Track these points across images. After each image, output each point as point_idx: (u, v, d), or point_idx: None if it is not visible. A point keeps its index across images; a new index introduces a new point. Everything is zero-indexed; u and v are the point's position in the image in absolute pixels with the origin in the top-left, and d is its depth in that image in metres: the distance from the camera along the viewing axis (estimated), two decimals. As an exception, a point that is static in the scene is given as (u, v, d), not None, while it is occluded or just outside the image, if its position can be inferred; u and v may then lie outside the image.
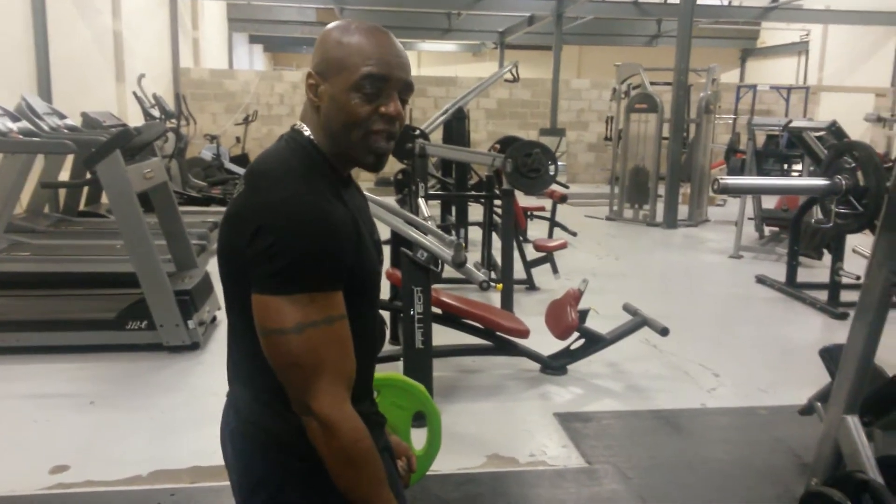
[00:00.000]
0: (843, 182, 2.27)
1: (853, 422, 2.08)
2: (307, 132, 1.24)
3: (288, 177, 1.16)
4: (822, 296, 5.54)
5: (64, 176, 6.51)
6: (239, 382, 1.29)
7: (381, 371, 1.56)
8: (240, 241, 1.14)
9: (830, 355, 2.72)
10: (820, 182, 2.30)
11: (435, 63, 23.04)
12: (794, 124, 6.27)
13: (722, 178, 2.28)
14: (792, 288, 5.92)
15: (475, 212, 6.82)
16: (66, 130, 5.62)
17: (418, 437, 1.90)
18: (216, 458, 2.95)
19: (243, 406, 1.26)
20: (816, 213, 7.02)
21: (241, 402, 1.27)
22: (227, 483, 2.65)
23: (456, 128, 7.57)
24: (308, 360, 1.11)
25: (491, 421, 3.44)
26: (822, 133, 6.16)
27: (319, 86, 1.21)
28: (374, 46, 1.18)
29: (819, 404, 2.80)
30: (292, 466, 1.21)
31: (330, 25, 1.25)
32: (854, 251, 3.26)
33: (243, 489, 1.27)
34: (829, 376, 2.80)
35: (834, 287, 5.43)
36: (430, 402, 1.96)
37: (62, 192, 6.82)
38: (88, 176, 4.20)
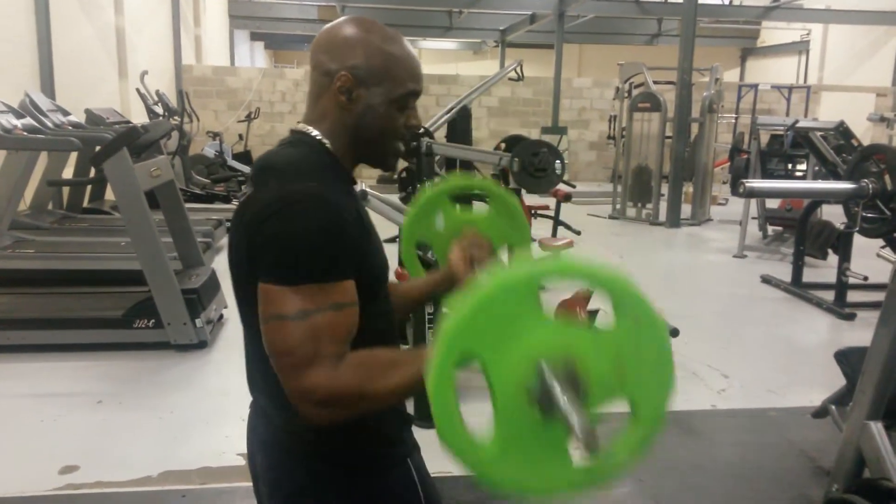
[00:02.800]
0: (870, 186, 2.25)
1: (877, 428, 2.06)
2: (315, 133, 1.21)
3: (295, 170, 1.14)
4: (829, 296, 5.52)
5: (68, 173, 6.48)
6: (259, 391, 1.26)
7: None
8: (249, 238, 1.11)
9: (846, 358, 2.70)
10: (846, 186, 2.29)
11: (436, 61, 23.01)
12: (800, 124, 6.25)
13: (748, 182, 2.26)
14: (798, 288, 5.91)
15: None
16: (70, 127, 5.60)
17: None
18: (225, 458, 2.97)
19: (272, 413, 1.23)
20: (821, 213, 7.02)
21: (267, 409, 1.24)
22: (238, 484, 2.62)
23: (460, 126, 7.55)
24: (305, 348, 1.05)
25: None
26: (824, 133, 6.16)
27: (355, 90, 1.18)
28: (413, 61, 1.22)
29: (834, 408, 2.78)
30: (334, 475, 1.18)
31: (356, 23, 1.20)
32: (878, 255, 3.25)
33: (275, 500, 1.23)
34: (844, 379, 2.78)
35: (840, 287, 5.42)
36: (497, 191, 1.68)
37: (66, 188, 6.79)
38: (95, 173, 4.18)
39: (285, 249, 1.07)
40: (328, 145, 1.21)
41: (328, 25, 1.23)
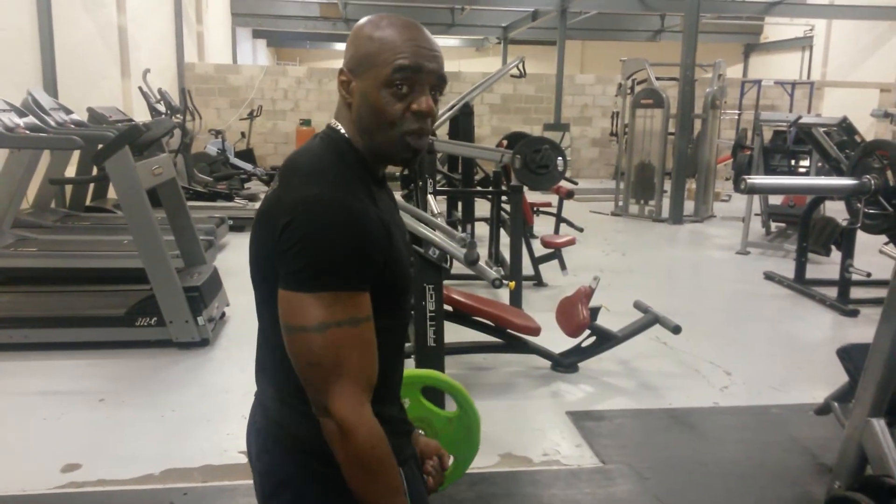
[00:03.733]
0: (872, 182, 2.24)
1: (879, 425, 2.05)
2: (342, 130, 1.22)
3: (320, 173, 1.14)
4: (832, 292, 5.51)
5: (70, 171, 6.49)
6: (266, 381, 1.27)
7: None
8: (270, 236, 1.12)
9: (849, 355, 2.70)
10: (848, 182, 2.27)
11: (438, 58, 22.95)
12: (803, 120, 6.23)
13: (749, 178, 2.26)
14: (801, 284, 5.90)
15: (480, 207, 6.79)
16: (72, 126, 5.60)
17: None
18: (227, 456, 2.97)
19: (270, 405, 1.25)
20: (824, 209, 7.00)
21: (267, 400, 1.26)
22: (240, 482, 2.63)
23: (463, 123, 7.52)
24: (328, 361, 1.08)
25: (503, 419, 3.42)
26: (827, 129, 6.12)
27: (351, 82, 1.19)
28: (404, 39, 1.16)
29: (836, 404, 2.78)
30: (316, 470, 1.19)
31: (361, 21, 1.22)
32: (881, 252, 3.23)
33: (265, 489, 1.25)
34: (846, 376, 2.78)
35: (844, 284, 5.40)
36: (470, 402, 1.93)
37: (69, 187, 6.79)
38: (97, 172, 4.18)
39: (305, 256, 1.07)
40: (353, 143, 1.21)
41: None
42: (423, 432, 1.66)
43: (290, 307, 1.09)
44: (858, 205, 2.35)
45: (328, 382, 1.09)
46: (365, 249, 1.10)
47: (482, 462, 2.98)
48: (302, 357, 1.10)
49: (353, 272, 1.09)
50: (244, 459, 2.89)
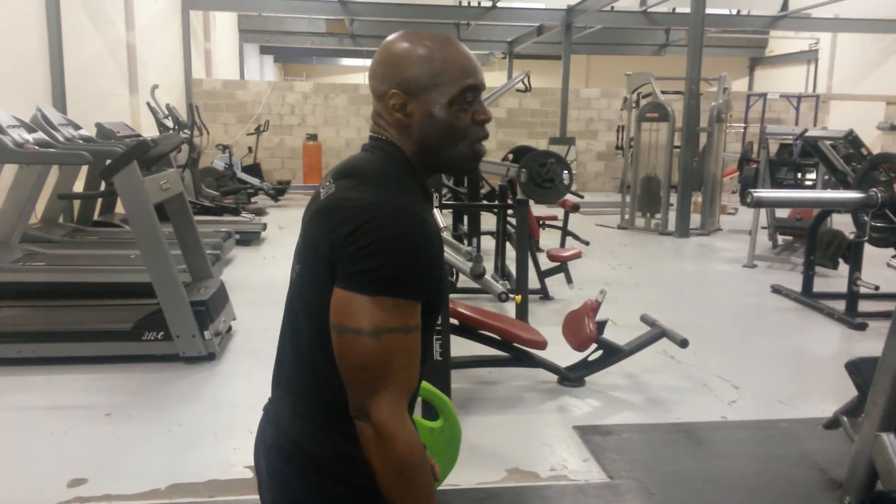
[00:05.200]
0: (879, 195, 2.23)
1: (889, 439, 2.03)
2: (389, 138, 1.22)
3: (387, 180, 1.16)
4: (839, 306, 5.48)
5: (79, 186, 6.53)
6: (284, 390, 1.26)
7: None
8: (332, 238, 1.12)
9: (857, 369, 2.68)
10: (854, 195, 2.27)
11: (443, 72, 23.06)
12: (809, 133, 6.23)
13: (755, 192, 2.25)
14: (808, 298, 5.87)
15: (486, 221, 6.79)
16: (81, 141, 5.64)
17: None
18: (234, 471, 2.97)
19: (283, 421, 1.23)
20: (831, 222, 6.98)
21: (281, 416, 1.24)
22: (246, 497, 2.63)
23: (468, 137, 7.54)
24: (377, 365, 1.08)
25: (510, 434, 3.41)
26: (833, 142, 6.12)
27: (408, 104, 1.19)
28: (462, 58, 1.20)
29: (845, 419, 2.76)
30: (331, 491, 1.18)
31: (397, 41, 1.21)
32: (888, 265, 3.22)
33: None
34: (855, 390, 2.76)
35: (851, 297, 5.37)
36: (454, 415, 1.95)
37: (77, 202, 6.84)
38: (105, 187, 4.21)
39: (373, 259, 1.08)
40: (406, 157, 1.22)
41: (377, 51, 1.24)
42: None
43: (348, 308, 1.09)
44: (865, 218, 2.34)
45: (373, 387, 1.09)
46: (430, 261, 1.12)
47: (489, 476, 2.97)
48: (352, 359, 1.10)
49: (415, 281, 1.10)
50: (250, 474, 2.89)
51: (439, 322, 3.27)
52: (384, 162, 1.20)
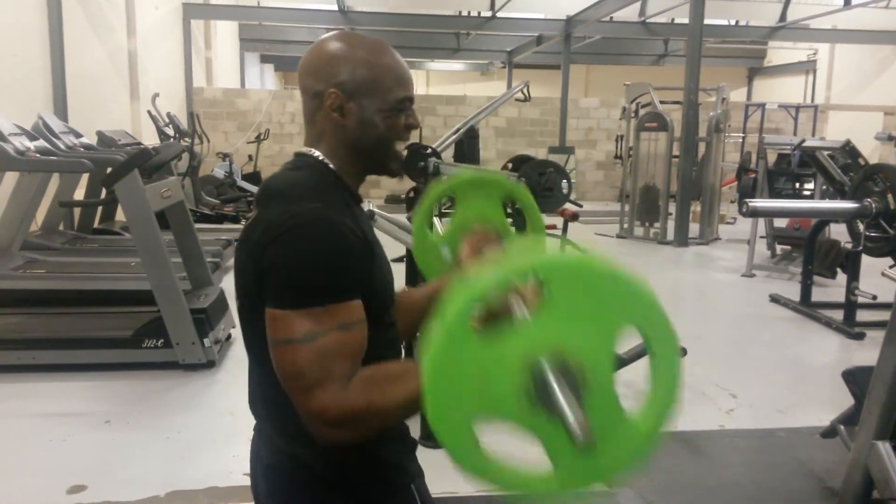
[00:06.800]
0: (873, 205, 2.25)
1: (885, 448, 2.05)
2: (316, 153, 1.23)
3: (298, 192, 1.15)
4: (838, 315, 5.49)
5: (79, 194, 6.55)
6: (261, 416, 1.27)
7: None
8: (253, 260, 1.11)
9: (854, 377, 2.69)
10: (849, 205, 2.29)
11: (443, 82, 23.18)
12: (807, 143, 6.26)
13: (751, 202, 2.28)
14: (806, 307, 5.88)
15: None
16: (82, 149, 5.67)
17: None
18: (233, 478, 2.97)
19: (276, 439, 1.23)
20: (829, 232, 7.00)
21: (271, 435, 1.24)
22: (248, 505, 2.57)
23: (468, 146, 7.58)
24: (315, 370, 1.05)
25: (508, 441, 3.40)
26: (831, 152, 6.15)
27: (345, 105, 1.20)
28: (400, 68, 1.23)
29: (843, 427, 2.76)
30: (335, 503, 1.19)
31: (335, 40, 1.21)
32: (883, 274, 3.23)
33: None
34: (852, 398, 2.77)
35: (850, 306, 5.39)
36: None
37: (77, 209, 6.86)
38: (106, 195, 4.23)
39: (289, 273, 1.07)
40: (330, 165, 1.22)
41: (310, 48, 1.24)
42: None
43: (277, 324, 1.07)
44: (860, 228, 2.36)
45: (314, 390, 1.05)
46: (348, 261, 1.10)
47: (484, 487, 2.97)
48: (287, 367, 1.07)
49: (337, 285, 1.08)
50: (249, 482, 2.89)
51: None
52: (300, 174, 1.21)
